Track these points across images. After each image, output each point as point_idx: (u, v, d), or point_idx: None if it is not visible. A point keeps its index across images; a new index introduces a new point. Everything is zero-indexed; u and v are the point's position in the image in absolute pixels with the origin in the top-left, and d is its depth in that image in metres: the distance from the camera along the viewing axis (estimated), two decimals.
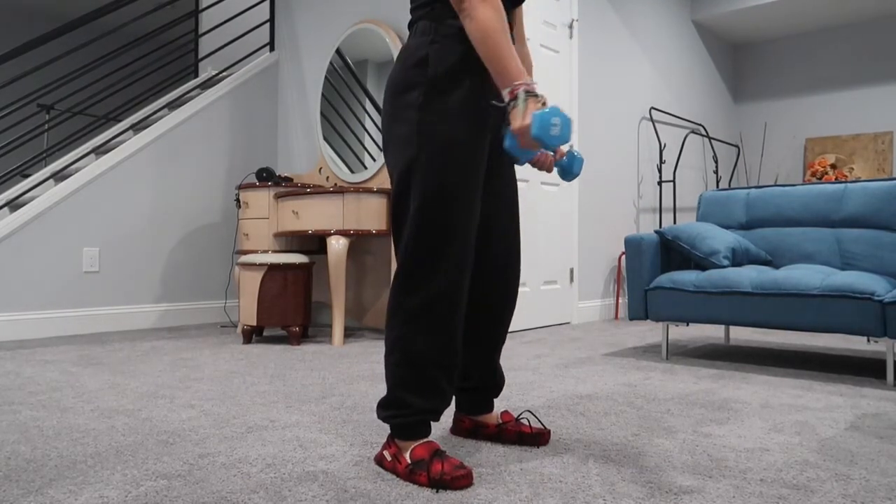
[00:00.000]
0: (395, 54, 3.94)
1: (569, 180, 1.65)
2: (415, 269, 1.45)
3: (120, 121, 4.77)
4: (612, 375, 2.63)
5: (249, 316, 3.43)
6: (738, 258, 2.99)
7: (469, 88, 1.49)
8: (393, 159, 1.51)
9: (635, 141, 5.16)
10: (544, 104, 1.33)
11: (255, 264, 3.42)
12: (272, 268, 3.40)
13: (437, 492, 1.36)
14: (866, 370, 2.78)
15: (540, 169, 1.64)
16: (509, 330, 3.95)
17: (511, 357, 3.06)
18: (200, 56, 5.60)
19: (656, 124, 5.42)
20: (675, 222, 5.51)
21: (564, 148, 1.63)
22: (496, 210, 1.64)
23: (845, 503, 1.31)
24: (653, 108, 5.32)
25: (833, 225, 3.02)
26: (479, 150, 1.50)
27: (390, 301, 1.50)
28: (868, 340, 3.68)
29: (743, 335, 3.92)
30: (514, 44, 1.68)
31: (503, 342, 1.72)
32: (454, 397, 1.82)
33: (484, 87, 1.51)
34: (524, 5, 1.70)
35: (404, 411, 1.47)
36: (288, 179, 3.98)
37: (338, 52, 4.28)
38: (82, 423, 1.87)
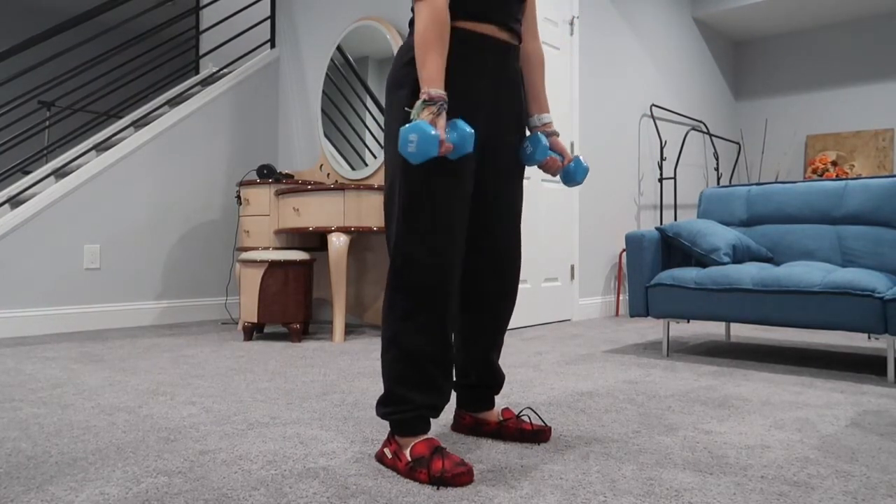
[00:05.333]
0: (396, 51, 3.94)
1: (570, 186, 1.69)
2: (404, 267, 1.47)
3: (121, 118, 4.77)
4: (612, 372, 2.63)
5: (250, 313, 3.44)
6: (739, 255, 2.98)
7: (464, 89, 1.49)
8: (388, 155, 1.54)
9: (636, 138, 5.15)
10: (434, 115, 1.36)
11: (255, 261, 3.42)
12: (273, 265, 3.40)
13: (437, 489, 1.36)
14: (867, 367, 2.78)
15: (547, 172, 1.69)
16: (510, 327, 3.97)
17: (512, 354, 3.06)
18: (201, 53, 5.60)
19: (657, 121, 5.42)
20: (675, 219, 5.51)
21: (570, 154, 1.70)
22: (497, 208, 1.63)
23: (846, 500, 1.31)
24: (653, 105, 5.31)
25: (834, 222, 3.02)
26: None
27: (385, 298, 1.51)
28: (869, 337, 3.68)
29: (744, 332, 3.92)
30: (521, 41, 1.67)
31: (502, 340, 1.73)
32: (455, 394, 1.82)
33: (472, 88, 1.51)
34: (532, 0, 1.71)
35: (402, 407, 1.48)
36: (289, 176, 3.98)
37: (339, 48, 4.27)
38: (83, 420, 1.88)
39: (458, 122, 1.38)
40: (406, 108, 1.48)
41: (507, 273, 1.67)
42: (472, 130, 1.38)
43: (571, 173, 1.69)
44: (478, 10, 1.51)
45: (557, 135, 1.71)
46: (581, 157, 1.69)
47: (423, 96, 1.38)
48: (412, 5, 1.58)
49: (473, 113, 1.52)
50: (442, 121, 1.37)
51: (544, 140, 1.63)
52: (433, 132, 1.31)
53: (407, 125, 1.33)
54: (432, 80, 1.39)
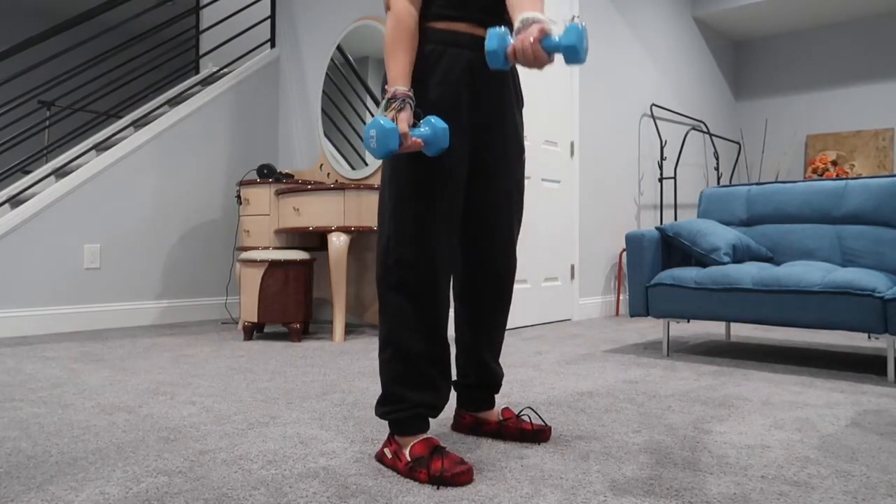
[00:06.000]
0: None
1: (573, 62, 1.25)
2: (395, 266, 1.48)
3: (121, 117, 4.77)
4: (612, 372, 2.63)
5: (250, 312, 3.44)
6: (739, 255, 2.98)
7: (439, 87, 1.50)
8: None
9: (636, 138, 5.15)
10: (396, 111, 1.39)
11: (255, 261, 3.42)
12: (273, 264, 3.40)
13: (437, 488, 1.36)
14: (867, 367, 2.78)
15: (529, 61, 1.27)
16: (511, 326, 3.97)
17: (512, 353, 3.06)
18: (201, 53, 5.60)
19: (657, 121, 5.41)
20: (675, 219, 5.51)
21: (547, 27, 1.32)
22: (490, 205, 1.63)
23: (846, 500, 1.31)
24: (654, 104, 5.31)
25: (834, 221, 3.02)
26: (453, 147, 1.50)
27: (378, 298, 1.52)
28: (869, 337, 3.68)
29: (744, 332, 3.92)
30: None
31: (499, 340, 1.72)
32: (455, 394, 1.82)
33: (449, 84, 1.51)
34: None
35: (399, 406, 1.48)
36: (289, 176, 3.98)
37: (339, 48, 4.28)
38: (83, 420, 1.88)
39: (431, 119, 1.40)
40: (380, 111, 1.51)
41: (502, 275, 1.67)
42: (446, 125, 1.39)
43: (561, 44, 1.24)
44: (448, 10, 1.52)
45: (538, 21, 1.29)
46: (574, 23, 1.23)
47: (387, 95, 1.42)
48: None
49: (453, 108, 1.51)
50: (404, 115, 1.39)
51: (494, 30, 1.28)
52: (390, 126, 1.34)
53: (369, 122, 1.37)
54: (396, 78, 1.43)
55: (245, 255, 3.48)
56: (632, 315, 3.06)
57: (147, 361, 2.82)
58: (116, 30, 7.82)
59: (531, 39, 1.26)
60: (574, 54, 1.23)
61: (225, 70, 5.13)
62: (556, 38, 1.26)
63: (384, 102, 1.42)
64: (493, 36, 1.28)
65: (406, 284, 1.47)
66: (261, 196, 3.78)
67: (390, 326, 1.49)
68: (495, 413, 1.74)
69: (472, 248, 1.64)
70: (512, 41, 1.29)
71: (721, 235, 2.98)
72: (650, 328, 4.05)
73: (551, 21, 4.25)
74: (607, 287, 4.85)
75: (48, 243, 3.77)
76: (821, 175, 6.14)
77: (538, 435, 1.67)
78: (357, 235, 4.13)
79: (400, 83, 1.43)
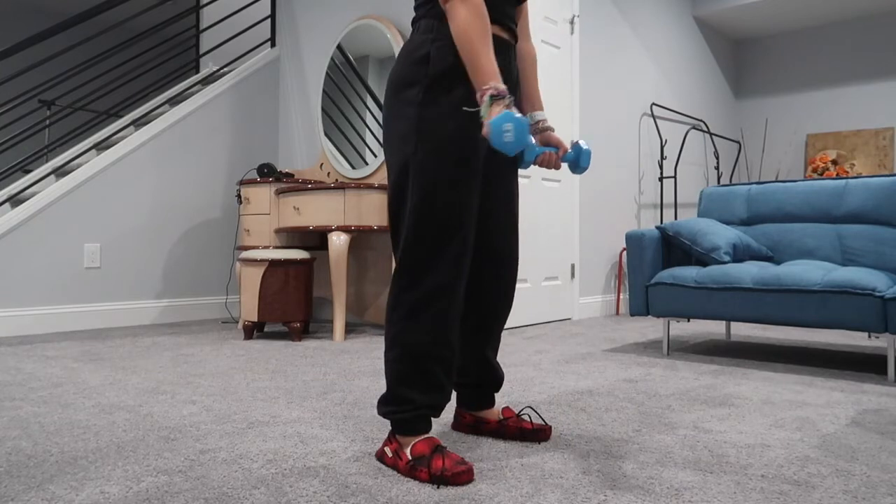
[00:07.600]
0: (397, 50, 3.94)
1: (578, 174, 1.67)
2: (413, 266, 1.46)
3: (121, 116, 4.77)
4: (613, 371, 2.63)
5: (250, 312, 3.44)
6: (739, 254, 2.98)
7: (469, 86, 1.49)
8: (391, 155, 1.52)
9: (636, 137, 5.15)
10: (508, 107, 1.34)
11: (256, 260, 3.42)
12: (273, 264, 3.40)
13: (437, 487, 1.36)
14: (867, 366, 2.78)
15: (548, 168, 1.66)
16: (511, 326, 3.97)
17: (512, 353, 3.06)
18: (201, 52, 5.60)
19: (657, 120, 5.41)
20: (676, 218, 5.50)
21: (565, 144, 1.67)
22: (494, 206, 1.64)
23: (846, 499, 1.31)
24: (654, 103, 5.31)
25: (834, 221, 3.01)
26: (477, 147, 1.50)
27: (390, 297, 1.51)
28: (869, 336, 3.68)
29: (744, 331, 3.92)
30: (517, 41, 1.68)
31: (499, 338, 1.73)
32: (455, 393, 1.82)
33: None
34: (528, 2, 1.71)
35: (404, 407, 1.48)
36: (289, 175, 3.98)
37: (339, 47, 4.27)
38: (83, 419, 1.88)
39: (510, 115, 1.33)
40: (465, 108, 1.45)
41: (505, 273, 1.67)
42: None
43: (573, 161, 1.65)
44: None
45: (551, 129, 1.70)
46: (581, 142, 1.66)
47: (488, 91, 1.35)
48: (427, 8, 1.53)
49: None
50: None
51: (534, 146, 1.63)
52: (525, 119, 1.30)
53: (497, 116, 1.30)
54: (491, 73, 1.37)
55: (245, 254, 3.48)
56: (632, 314, 3.06)
57: (147, 360, 2.82)
58: (117, 29, 7.82)
59: (556, 157, 1.65)
60: (582, 171, 1.66)
61: (225, 69, 5.13)
62: (572, 155, 1.65)
63: (488, 99, 1.34)
64: (529, 151, 1.57)
65: (425, 286, 1.46)
66: (261, 195, 3.78)
67: (400, 326, 1.47)
68: (496, 412, 1.74)
69: (479, 245, 1.65)
70: (536, 150, 1.60)
71: (721, 234, 2.98)
72: (650, 327, 4.05)
73: (551, 21, 4.26)
74: (607, 286, 4.85)
75: (48, 242, 3.77)
76: (821, 174, 6.14)
77: (538, 434, 1.67)
78: (357, 235, 4.13)
79: (497, 79, 1.36)
